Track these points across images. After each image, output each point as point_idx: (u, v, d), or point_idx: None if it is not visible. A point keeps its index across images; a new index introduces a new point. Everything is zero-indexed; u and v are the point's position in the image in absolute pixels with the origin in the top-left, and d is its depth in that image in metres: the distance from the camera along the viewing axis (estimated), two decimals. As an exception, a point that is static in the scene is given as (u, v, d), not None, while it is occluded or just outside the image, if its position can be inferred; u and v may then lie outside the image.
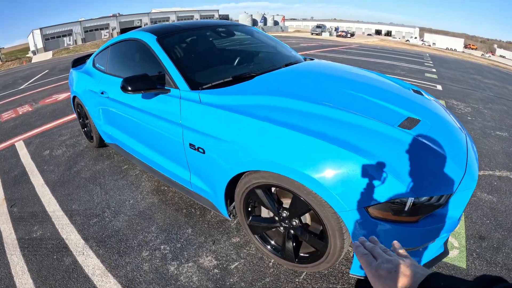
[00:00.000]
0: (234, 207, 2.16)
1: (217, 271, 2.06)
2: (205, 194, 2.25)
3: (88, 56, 4.71)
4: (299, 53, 3.50)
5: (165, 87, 2.29)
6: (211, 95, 2.07)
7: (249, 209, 2.00)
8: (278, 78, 2.40)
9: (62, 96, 9.03)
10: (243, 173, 1.86)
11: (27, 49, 48.19)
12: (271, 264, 2.07)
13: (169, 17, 62.33)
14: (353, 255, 1.66)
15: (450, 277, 0.55)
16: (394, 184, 1.41)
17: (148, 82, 2.23)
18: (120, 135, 3.24)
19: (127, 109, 2.76)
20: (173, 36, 2.78)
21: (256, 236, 2.06)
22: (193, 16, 65.60)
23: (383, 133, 1.65)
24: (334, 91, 2.17)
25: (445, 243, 1.78)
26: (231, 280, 1.98)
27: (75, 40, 48.21)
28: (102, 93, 3.20)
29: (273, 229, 2.03)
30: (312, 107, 1.85)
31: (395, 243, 0.75)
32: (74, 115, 6.46)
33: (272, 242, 2.05)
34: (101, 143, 4.11)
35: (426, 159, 1.58)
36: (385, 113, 1.89)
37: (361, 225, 1.48)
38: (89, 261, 2.38)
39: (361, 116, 1.77)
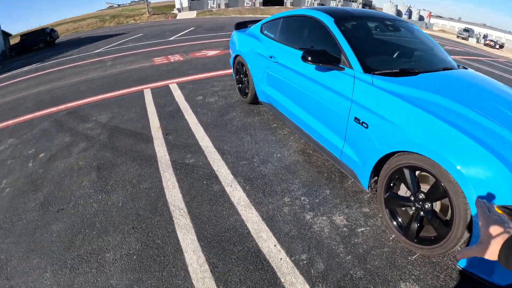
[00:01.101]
0: (374, 181, 2.46)
1: (345, 229, 2.41)
2: (352, 164, 2.58)
3: (251, 22, 5.31)
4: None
5: (340, 65, 2.65)
6: (383, 81, 2.36)
7: (391, 184, 2.29)
8: (439, 80, 2.56)
9: (212, 52, 9.93)
10: (396, 152, 2.14)
11: (172, 6, 53.19)
12: (391, 238, 2.32)
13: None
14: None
15: None
16: None
17: (327, 57, 2.63)
18: (278, 95, 3.74)
19: (296, 75, 3.21)
20: (348, 20, 3.10)
21: (387, 210, 2.35)
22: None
23: None
24: (488, 104, 2.26)
25: None
26: (356, 240, 2.31)
27: (219, 4, 51.29)
28: (270, 57, 3.72)
29: (404, 208, 2.28)
30: (468, 112, 2.01)
31: None
32: (225, 71, 7.19)
33: (399, 219, 2.31)
34: (254, 100, 4.68)
35: None
36: None
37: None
38: (236, 193, 2.84)
39: (510, 132, 1.88)
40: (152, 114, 4.87)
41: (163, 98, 5.58)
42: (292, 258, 2.16)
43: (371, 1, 71.01)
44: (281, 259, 2.16)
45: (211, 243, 2.32)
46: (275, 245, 2.27)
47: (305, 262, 2.13)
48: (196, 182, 3.04)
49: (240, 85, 5.05)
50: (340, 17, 3.04)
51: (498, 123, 1.95)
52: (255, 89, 4.43)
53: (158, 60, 9.28)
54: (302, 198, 2.77)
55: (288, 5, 52.21)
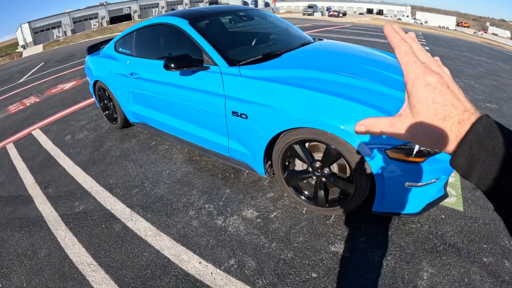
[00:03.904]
0: (269, 166, 2.52)
1: (259, 220, 2.42)
2: (243, 157, 2.59)
3: (103, 42, 4.94)
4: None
5: (204, 65, 2.61)
6: (250, 69, 2.42)
7: (286, 163, 2.37)
8: (301, 55, 2.76)
9: (69, 85, 9.09)
10: (281, 133, 2.21)
11: (15, 44, 47.41)
12: (304, 211, 2.43)
13: (158, 3, 61.58)
14: (376, 194, 2.05)
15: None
16: None
17: (190, 60, 2.56)
18: (149, 112, 3.53)
19: (163, 86, 3.06)
20: (203, 19, 3.09)
21: (291, 188, 2.43)
22: (182, 1, 64.67)
23: (394, 96, 2.06)
24: (349, 64, 2.59)
25: (445, 187, 2.18)
26: (273, 226, 2.34)
27: (65, 32, 47.59)
28: (131, 74, 3.48)
29: (305, 181, 2.40)
30: (335, 77, 2.24)
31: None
32: (88, 102, 6.62)
33: (305, 192, 2.42)
34: (125, 124, 4.37)
35: None
36: (394, 81, 2.29)
37: (382, 165, 1.87)
38: (140, 225, 2.63)
39: (375, 83, 2.18)
40: (23, 170, 4.18)
41: (30, 149, 4.86)
42: (222, 268, 2.10)
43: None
44: (211, 273, 2.08)
45: (137, 287, 2.10)
46: (200, 262, 2.17)
47: (235, 266, 2.10)
48: (94, 229, 2.73)
49: (106, 112, 4.67)
50: (194, 17, 3.01)
51: (362, 79, 2.19)
52: (123, 112, 4.13)
53: (13, 108, 8.09)
54: (206, 205, 2.71)
55: (136, 18, 51.03)
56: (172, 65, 2.50)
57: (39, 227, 2.94)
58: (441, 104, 0.41)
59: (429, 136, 0.43)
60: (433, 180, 1.99)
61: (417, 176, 1.91)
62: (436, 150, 1.90)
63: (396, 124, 0.46)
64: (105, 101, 4.51)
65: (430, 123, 0.42)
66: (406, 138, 0.45)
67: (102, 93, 4.43)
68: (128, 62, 3.63)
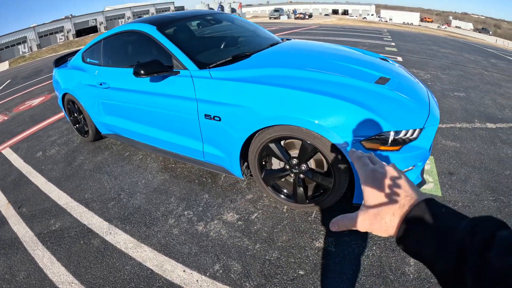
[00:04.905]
0: (246, 167, 2.50)
1: (240, 222, 2.39)
2: (219, 160, 2.56)
3: (69, 54, 4.81)
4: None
5: (174, 70, 2.57)
6: (220, 71, 2.40)
7: (263, 163, 2.35)
8: (270, 55, 2.78)
9: (37, 101, 8.82)
10: (255, 132, 2.20)
11: None
12: (285, 210, 2.43)
13: (124, 14, 60.96)
14: (355, 186, 2.07)
15: (447, 207, 0.46)
16: (379, 122, 1.86)
17: (160, 65, 2.50)
18: (122, 122, 3.44)
19: (133, 94, 2.99)
20: (171, 24, 3.05)
21: (269, 187, 2.42)
22: (148, 10, 64.28)
23: (364, 88, 2.11)
24: (318, 61, 2.63)
25: (422, 174, 2.24)
26: (255, 227, 2.32)
27: (30, 47, 46.15)
28: (100, 84, 3.38)
29: (283, 179, 2.40)
30: (305, 73, 2.27)
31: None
32: (57, 116, 6.43)
33: (284, 191, 2.41)
34: (97, 136, 4.25)
35: (399, 104, 2.06)
36: (363, 74, 2.34)
37: None
38: (119, 238, 2.55)
39: (345, 77, 2.21)
40: (-5, 191, 3.99)
41: (0, 169, 4.65)
42: (208, 274, 2.07)
43: (183, 6, 74.05)
44: (197, 281, 2.04)
45: (121, 302, 2.02)
46: (184, 271, 2.13)
47: (221, 271, 2.07)
48: (72, 246, 2.62)
49: (77, 125, 4.52)
50: (162, 23, 2.97)
51: (332, 73, 2.22)
52: (94, 124, 4.00)
53: (-20, 127, 7.75)
54: (186, 212, 2.66)
55: (103, 30, 50.27)
56: (142, 72, 2.44)
57: (15, 249, 2.83)
58: (386, 195, 0.50)
59: (379, 223, 0.50)
60: (410, 168, 2.03)
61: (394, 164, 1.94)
62: (410, 138, 1.94)
63: (354, 218, 0.53)
64: (75, 114, 4.36)
65: (378, 212, 0.50)
66: (364, 229, 0.52)
67: (72, 106, 4.29)
68: (96, 72, 3.53)
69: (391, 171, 0.55)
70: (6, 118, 7.90)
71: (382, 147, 1.89)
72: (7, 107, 9.43)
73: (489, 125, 4.07)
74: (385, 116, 1.89)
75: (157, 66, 2.49)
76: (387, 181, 0.52)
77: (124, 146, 4.20)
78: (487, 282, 0.35)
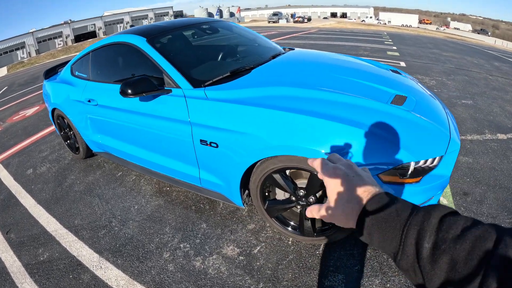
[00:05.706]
0: (247, 196, 2.26)
1: (242, 258, 2.15)
2: (217, 187, 2.32)
3: (60, 65, 4.59)
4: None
5: (165, 88, 2.33)
6: (217, 91, 2.15)
7: (266, 193, 2.11)
8: (273, 69, 2.53)
9: (31, 111, 8.64)
10: (257, 161, 1.96)
11: None
12: (290, 242, 2.19)
13: (123, 19, 61.06)
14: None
15: (401, 199, 0.49)
16: (398, 153, 1.63)
17: (148, 84, 2.26)
18: (112, 142, 3.21)
19: (122, 114, 2.75)
20: (162, 36, 2.80)
21: (273, 219, 2.18)
22: (147, 15, 64.35)
23: (381, 111, 1.87)
24: (326, 76, 2.37)
25: (438, 201, 2.02)
26: (258, 263, 2.09)
27: (29, 53, 46.05)
28: (89, 101, 3.15)
29: (288, 210, 2.16)
30: (312, 93, 2.02)
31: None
32: (49, 129, 6.24)
33: (291, 222, 2.17)
34: (88, 154, 4.02)
35: (420, 129, 1.82)
36: (378, 92, 2.10)
37: None
38: (110, 273, 2.33)
39: (359, 97, 1.97)
40: (-18, 213, 3.78)
41: (-12, 187, 4.44)
42: None
43: (182, 11, 74.20)
44: None
45: None
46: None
47: None
48: (61, 281, 2.41)
49: (68, 141, 4.29)
50: (152, 34, 2.73)
51: (341, 92, 1.98)
52: (85, 142, 3.77)
53: (-28, 139, 7.56)
54: (182, 245, 2.41)
55: (102, 35, 50.13)
56: (129, 91, 2.20)
57: (3, 280, 2.65)
58: (345, 190, 0.54)
59: (341, 215, 0.53)
60: (430, 199, 1.80)
61: (413, 198, 1.72)
62: (430, 166, 1.72)
63: (322, 210, 0.57)
64: (66, 130, 4.15)
65: (340, 206, 0.54)
66: (329, 220, 0.56)
67: (62, 122, 4.08)
68: (85, 87, 3.30)
69: (350, 168, 0.58)
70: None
71: (402, 180, 1.67)
72: (1, 117, 9.29)
73: (500, 136, 3.86)
74: (405, 145, 1.67)
75: (146, 85, 2.25)
76: (346, 177, 0.55)
77: (116, 165, 3.97)
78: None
